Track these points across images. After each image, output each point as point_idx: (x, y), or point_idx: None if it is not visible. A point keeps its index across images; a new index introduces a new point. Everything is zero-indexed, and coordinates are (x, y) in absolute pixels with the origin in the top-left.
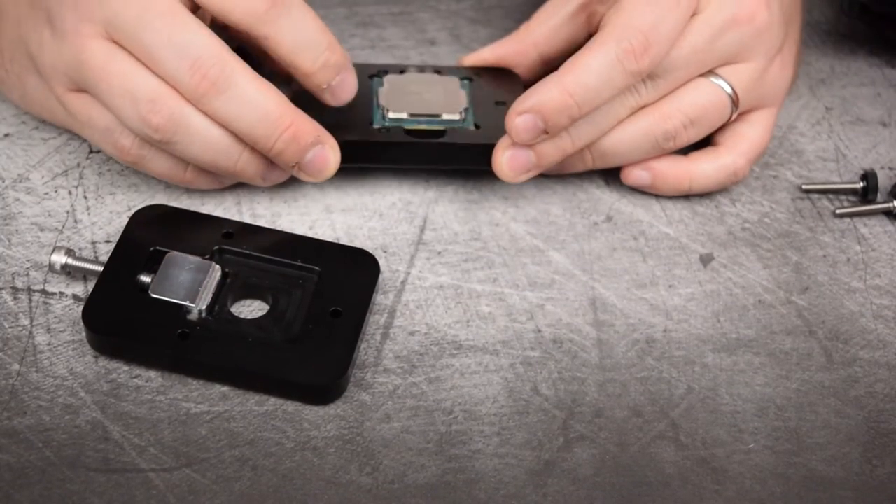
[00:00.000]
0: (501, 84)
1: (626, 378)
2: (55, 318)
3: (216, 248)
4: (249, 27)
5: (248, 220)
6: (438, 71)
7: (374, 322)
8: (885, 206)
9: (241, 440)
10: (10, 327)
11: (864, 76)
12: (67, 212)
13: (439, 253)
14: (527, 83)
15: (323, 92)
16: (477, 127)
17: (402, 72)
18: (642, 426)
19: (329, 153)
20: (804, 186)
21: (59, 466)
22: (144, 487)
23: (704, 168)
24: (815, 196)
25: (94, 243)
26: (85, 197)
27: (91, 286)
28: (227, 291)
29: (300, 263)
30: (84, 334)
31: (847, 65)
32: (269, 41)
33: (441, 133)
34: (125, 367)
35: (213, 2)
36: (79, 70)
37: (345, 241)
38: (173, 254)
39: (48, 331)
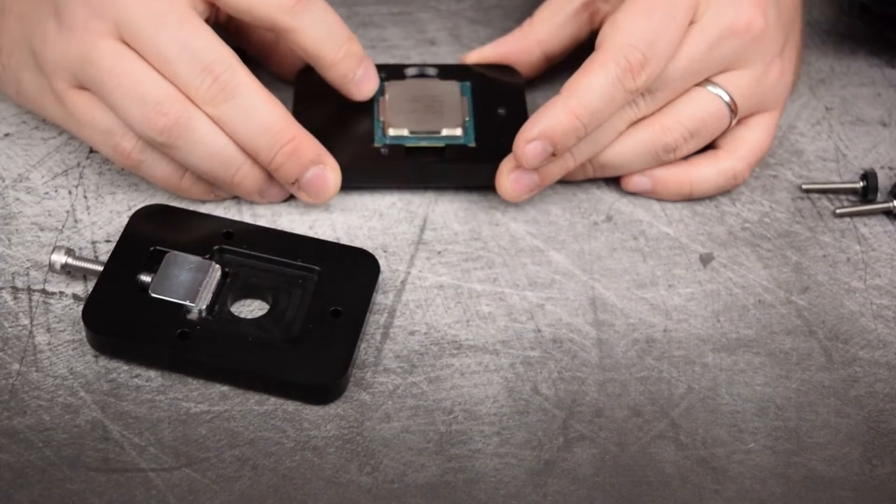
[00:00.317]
0: (503, 84)
1: (626, 378)
2: (55, 317)
3: (216, 247)
4: (276, 21)
5: (248, 219)
6: (439, 70)
7: (374, 322)
8: (885, 206)
9: (241, 440)
10: (10, 327)
11: (864, 76)
12: (67, 211)
13: (439, 253)
14: (527, 80)
15: (349, 84)
16: (478, 142)
17: (402, 72)
18: (642, 426)
19: (329, 174)
20: (804, 186)
21: (59, 466)
22: (144, 487)
23: (705, 173)
24: (815, 196)
25: (94, 243)
26: (85, 197)
27: (91, 286)
28: (227, 291)
29: (300, 263)
30: (84, 334)
31: (847, 65)
32: (296, 34)
33: (441, 150)
34: (125, 367)
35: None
36: (85, 67)
37: (345, 241)
38: (173, 253)
39: (48, 330)
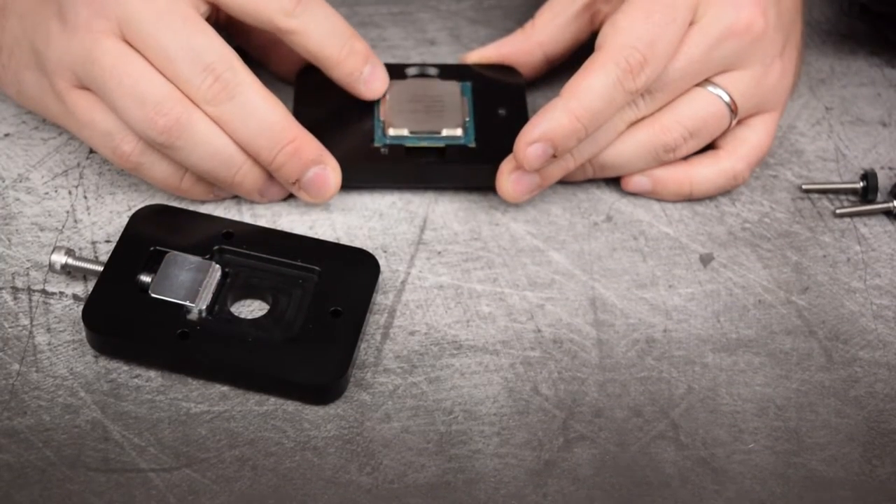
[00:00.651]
0: (503, 85)
1: (626, 378)
2: (55, 317)
3: (216, 247)
4: (277, 23)
5: (248, 220)
6: (440, 70)
7: (374, 322)
8: (885, 206)
9: (241, 440)
10: (10, 327)
11: (864, 76)
12: (67, 212)
13: (439, 253)
14: (528, 81)
15: (356, 82)
16: (478, 142)
17: (403, 72)
18: (642, 426)
19: (330, 174)
20: (804, 186)
21: (59, 466)
22: (144, 487)
23: (705, 173)
24: (815, 196)
25: (94, 243)
26: (85, 197)
27: (91, 286)
28: (227, 291)
29: (300, 263)
30: (84, 334)
31: (847, 65)
32: (298, 35)
33: (442, 150)
34: (125, 367)
35: (239, 1)
36: (87, 66)
37: (345, 241)
38: (173, 254)
39: (48, 331)
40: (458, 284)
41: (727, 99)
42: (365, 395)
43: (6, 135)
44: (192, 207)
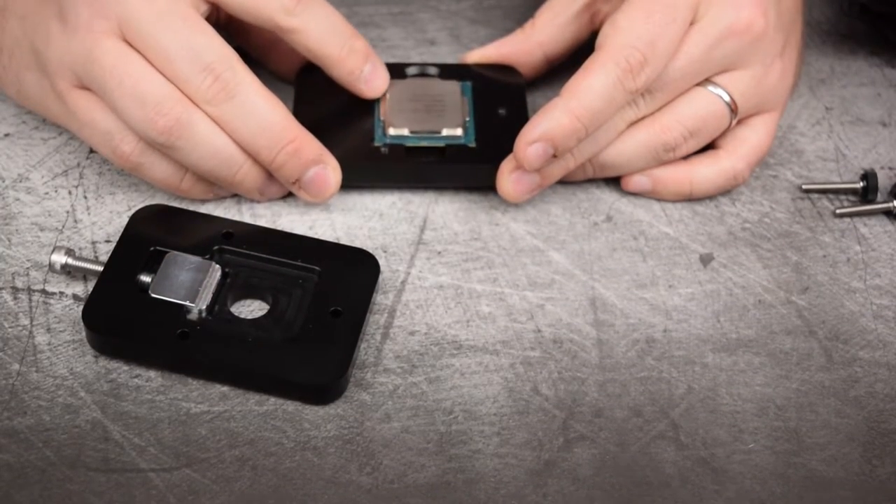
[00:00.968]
0: (503, 84)
1: (626, 378)
2: (55, 317)
3: (216, 247)
4: (277, 22)
5: (248, 220)
6: (440, 70)
7: (374, 322)
8: (885, 206)
9: (241, 440)
10: (10, 327)
11: (864, 76)
12: (67, 212)
13: (439, 253)
14: (528, 81)
15: (357, 81)
16: (478, 142)
17: (403, 71)
18: (642, 426)
19: (330, 173)
20: (804, 186)
21: (59, 466)
22: (144, 487)
23: (705, 173)
24: (815, 196)
25: (94, 243)
26: (85, 197)
27: (91, 286)
28: (227, 291)
29: (300, 263)
30: (84, 334)
31: (847, 65)
32: (298, 34)
33: (442, 150)
34: (125, 367)
35: (240, 0)
36: (87, 66)
37: (345, 241)
38: (173, 254)
39: (48, 331)
40: (458, 284)
41: (727, 99)
42: (365, 395)
43: (6, 135)
44: (192, 207)
